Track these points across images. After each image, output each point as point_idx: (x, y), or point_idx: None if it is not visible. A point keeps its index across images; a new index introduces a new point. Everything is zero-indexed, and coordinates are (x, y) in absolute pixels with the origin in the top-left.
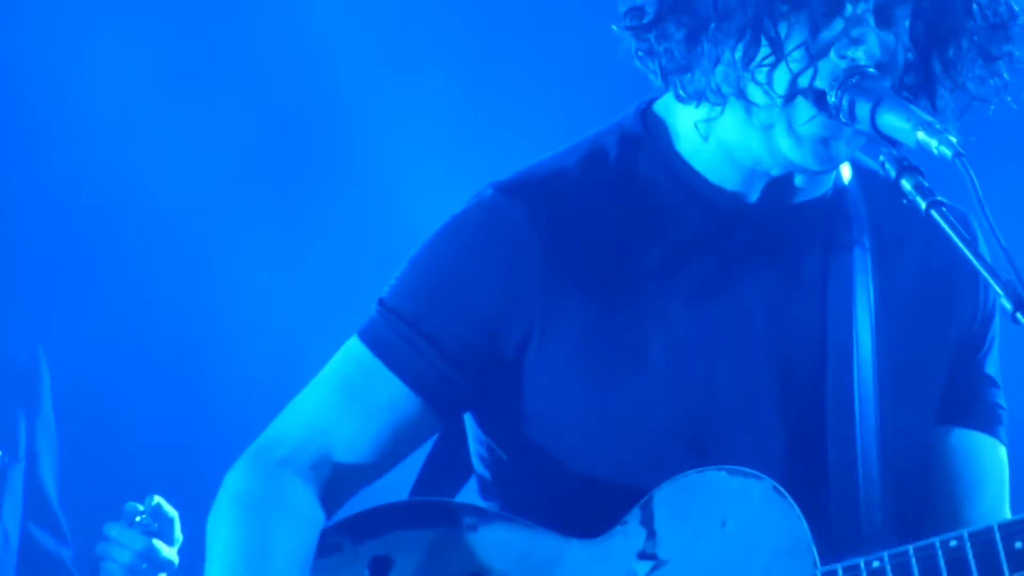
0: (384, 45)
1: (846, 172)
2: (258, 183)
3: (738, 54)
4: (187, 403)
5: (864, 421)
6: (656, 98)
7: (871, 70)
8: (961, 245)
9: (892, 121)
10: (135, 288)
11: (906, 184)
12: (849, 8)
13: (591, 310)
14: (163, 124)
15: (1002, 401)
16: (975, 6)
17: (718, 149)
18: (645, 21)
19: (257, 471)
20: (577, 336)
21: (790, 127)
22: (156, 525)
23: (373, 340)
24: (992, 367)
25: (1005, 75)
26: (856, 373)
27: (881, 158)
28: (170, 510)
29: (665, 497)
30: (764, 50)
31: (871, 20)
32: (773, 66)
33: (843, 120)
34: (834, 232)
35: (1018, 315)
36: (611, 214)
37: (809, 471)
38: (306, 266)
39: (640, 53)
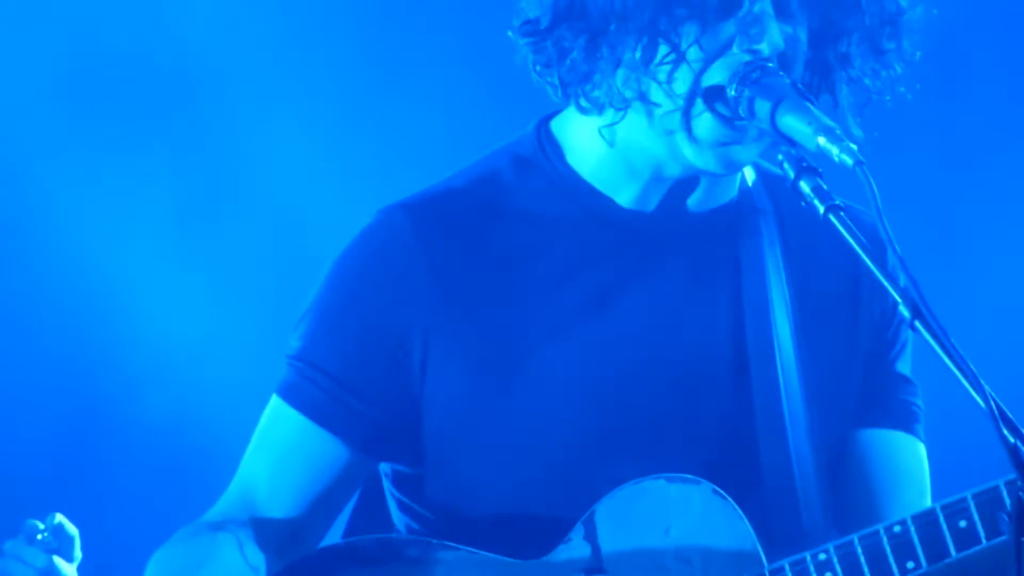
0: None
1: (748, 174)
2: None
3: (638, 55)
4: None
5: (793, 418)
6: (552, 115)
7: (772, 65)
8: (859, 250)
9: (793, 123)
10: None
11: (804, 186)
12: (747, 3)
13: (483, 327)
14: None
15: (918, 400)
16: (864, 2)
17: (617, 159)
18: (541, 29)
19: (186, 539)
20: (470, 354)
21: (691, 134)
22: (57, 543)
23: (281, 387)
24: (904, 367)
25: (897, 68)
26: (780, 371)
27: (780, 157)
28: (71, 528)
29: (607, 510)
30: (663, 49)
31: (771, 11)
32: (674, 66)
33: (742, 115)
34: (743, 234)
35: (916, 323)
36: (502, 232)
37: (742, 471)
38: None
39: (538, 67)
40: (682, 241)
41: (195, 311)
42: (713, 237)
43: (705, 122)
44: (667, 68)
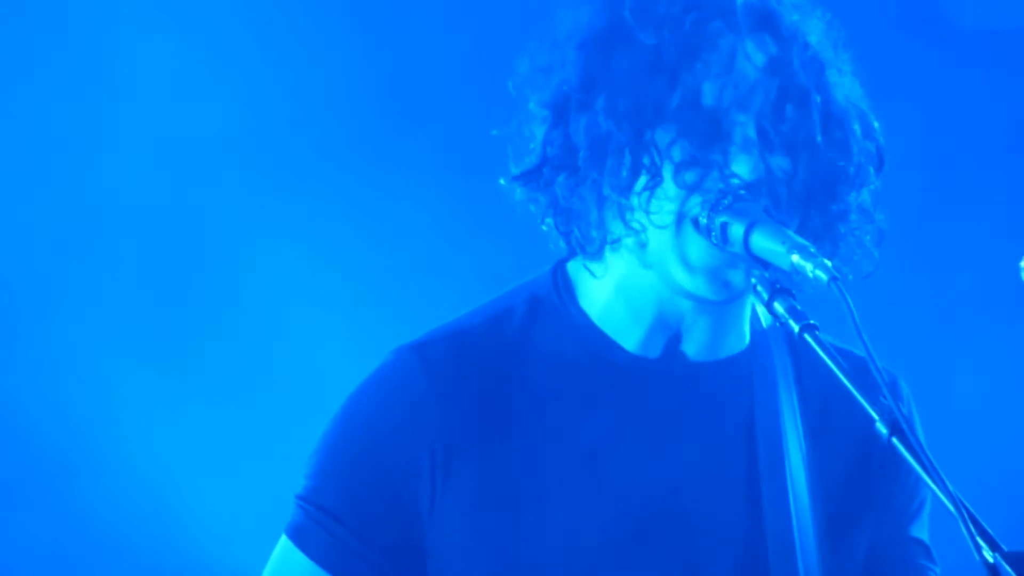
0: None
1: (764, 317)
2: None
3: (617, 183)
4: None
5: (808, 572)
6: (570, 257)
7: (743, 192)
8: (835, 368)
9: (766, 244)
10: None
11: (779, 307)
12: (725, 127)
13: (489, 472)
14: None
15: (934, 566)
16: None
17: (621, 301)
18: (530, 173)
19: None
20: (476, 499)
21: (683, 259)
22: None
23: (290, 528)
24: (921, 532)
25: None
26: (796, 529)
27: (753, 280)
28: None
29: None
30: (642, 179)
31: (751, 137)
32: (651, 195)
33: (714, 242)
34: (757, 385)
35: (893, 439)
36: (513, 374)
37: None
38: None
39: (541, 211)
40: (688, 390)
41: (181, 426)
42: (723, 387)
43: (696, 247)
44: (646, 197)
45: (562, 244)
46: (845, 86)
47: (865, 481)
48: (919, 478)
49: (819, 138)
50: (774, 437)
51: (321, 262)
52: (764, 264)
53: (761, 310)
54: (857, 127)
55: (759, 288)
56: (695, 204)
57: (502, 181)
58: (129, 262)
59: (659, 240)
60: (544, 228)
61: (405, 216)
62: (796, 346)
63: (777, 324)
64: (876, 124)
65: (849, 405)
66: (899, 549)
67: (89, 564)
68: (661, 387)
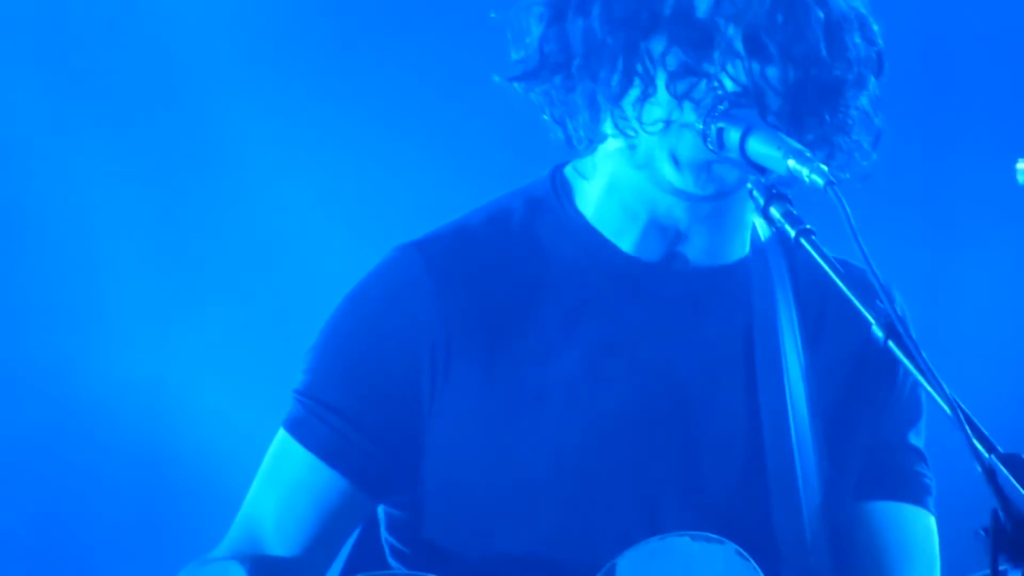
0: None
1: (763, 230)
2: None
3: (610, 90)
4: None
5: (806, 481)
6: (568, 162)
7: (741, 98)
8: (831, 272)
9: (762, 149)
10: None
11: (775, 212)
12: (718, 37)
13: (487, 368)
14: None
15: (929, 473)
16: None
17: (614, 201)
18: (527, 70)
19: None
20: (473, 394)
21: (671, 155)
22: None
23: (288, 421)
24: (916, 439)
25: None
26: (794, 433)
27: (749, 186)
28: None
29: (628, 565)
30: (635, 87)
31: (741, 48)
32: (642, 101)
33: (711, 148)
34: (755, 293)
35: (889, 343)
36: (511, 273)
37: (753, 530)
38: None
39: (538, 104)
40: (686, 293)
41: (180, 328)
42: (722, 293)
43: (686, 145)
44: (637, 104)
45: (560, 135)
46: None
47: (862, 387)
48: (916, 384)
49: (816, 48)
50: (772, 343)
51: (325, 158)
52: (760, 170)
53: (760, 222)
54: (856, 33)
55: (755, 193)
56: (688, 112)
57: (496, 78)
58: (128, 150)
59: (649, 140)
60: (544, 118)
61: (411, 115)
62: (793, 255)
63: (774, 232)
64: (876, 27)
65: (846, 312)
66: (896, 455)
67: (85, 459)
68: (659, 289)
